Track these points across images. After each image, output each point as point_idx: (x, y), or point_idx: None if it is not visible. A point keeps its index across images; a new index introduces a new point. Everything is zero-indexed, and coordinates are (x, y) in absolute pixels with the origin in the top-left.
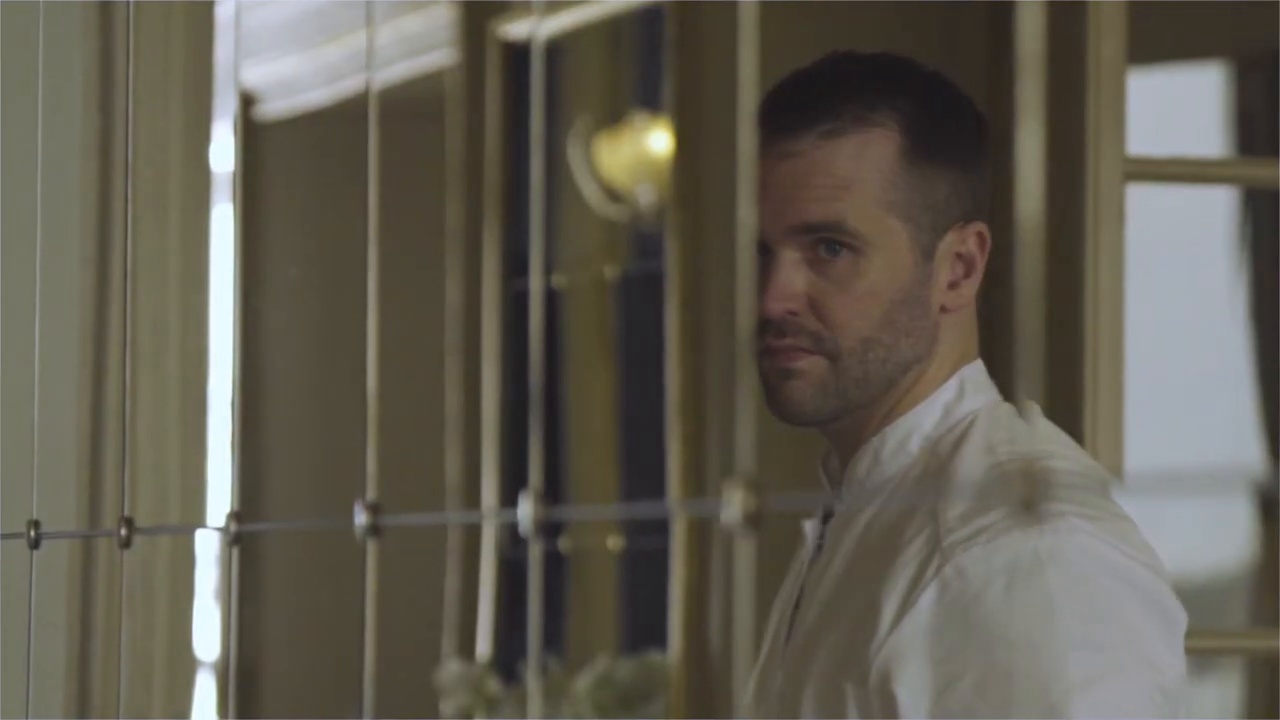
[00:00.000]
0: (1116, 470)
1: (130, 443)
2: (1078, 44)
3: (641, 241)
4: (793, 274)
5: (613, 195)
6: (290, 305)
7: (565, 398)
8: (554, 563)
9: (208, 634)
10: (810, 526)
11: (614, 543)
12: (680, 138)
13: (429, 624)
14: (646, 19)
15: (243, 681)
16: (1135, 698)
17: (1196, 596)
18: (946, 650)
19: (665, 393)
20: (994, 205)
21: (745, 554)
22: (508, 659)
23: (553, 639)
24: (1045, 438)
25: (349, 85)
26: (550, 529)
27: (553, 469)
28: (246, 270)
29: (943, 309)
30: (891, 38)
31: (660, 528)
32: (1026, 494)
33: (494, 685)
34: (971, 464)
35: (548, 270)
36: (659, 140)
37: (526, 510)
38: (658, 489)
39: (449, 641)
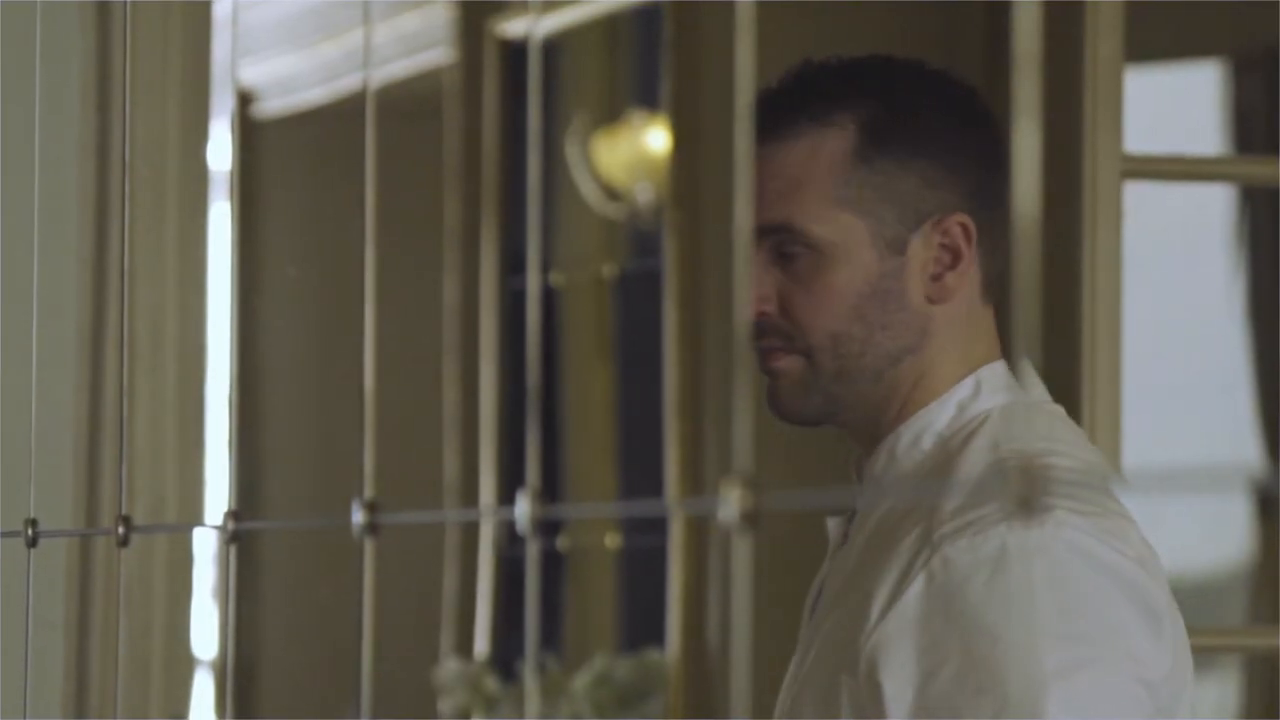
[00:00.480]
0: (1114, 468)
1: (128, 441)
2: (1075, 42)
3: (639, 240)
4: (762, 275)
5: (611, 194)
6: (288, 304)
7: (563, 396)
8: (552, 561)
9: (205, 632)
10: (833, 525)
11: (612, 541)
12: (678, 136)
13: (427, 622)
14: (644, 17)
15: (240, 680)
16: (1114, 689)
17: (1195, 594)
18: (930, 640)
19: (663, 391)
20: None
21: (743, 552)
22: (506, 657)
23: (551, 637)
24: (1053, 436)
25: (347, 84)
26: (548, 527)
27: (550, 467)
28: (244, 269)
29: (929, 300)
30: (889, 37)
31: (658, 526)
32: (1022, 490)
33: (492, 684)
34: (974, 460)
35: (545, 269)
36: (657, 139)
37: (524, 508)
38: (656, 487)
39: (447, 640)
